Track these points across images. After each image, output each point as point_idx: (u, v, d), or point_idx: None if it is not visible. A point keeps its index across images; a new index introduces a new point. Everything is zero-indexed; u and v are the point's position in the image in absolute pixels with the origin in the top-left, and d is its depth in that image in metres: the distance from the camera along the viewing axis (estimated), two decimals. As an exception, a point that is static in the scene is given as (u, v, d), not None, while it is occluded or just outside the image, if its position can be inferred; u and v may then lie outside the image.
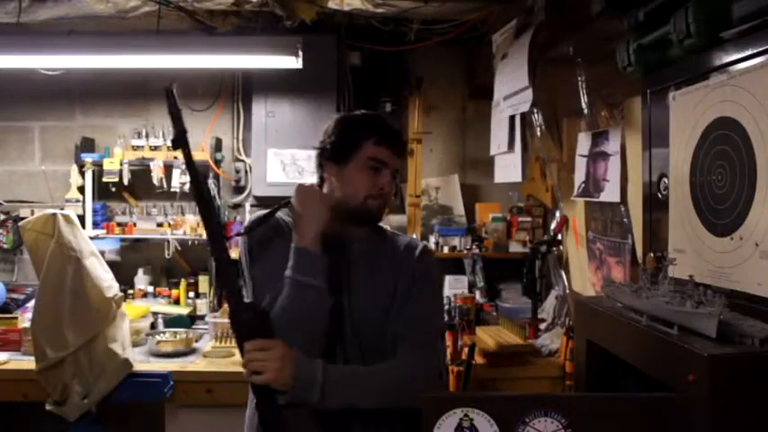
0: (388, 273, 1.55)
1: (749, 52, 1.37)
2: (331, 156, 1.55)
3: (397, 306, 1.53)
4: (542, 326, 2.74)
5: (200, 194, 1.34)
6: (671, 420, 1.16)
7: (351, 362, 1.48)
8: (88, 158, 3.17)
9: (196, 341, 2.83)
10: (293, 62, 2.63)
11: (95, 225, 3.19)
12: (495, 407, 1.18)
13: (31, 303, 2.64)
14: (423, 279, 1.57)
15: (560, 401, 1.19)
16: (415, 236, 3.11)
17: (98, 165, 3.16)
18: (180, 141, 1.31)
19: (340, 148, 1.55)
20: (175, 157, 3.16)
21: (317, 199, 1.47)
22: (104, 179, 3.15)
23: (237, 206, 3.41)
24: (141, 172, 3.22)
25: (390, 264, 1.57)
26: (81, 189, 3.19)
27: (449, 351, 2.34)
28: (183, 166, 3.16)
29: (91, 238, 2.57)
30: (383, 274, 1.55)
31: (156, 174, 3.13)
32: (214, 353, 2.71)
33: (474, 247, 3.14)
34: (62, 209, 2.63)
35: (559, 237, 2.78)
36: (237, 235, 1.65)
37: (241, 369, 1.34)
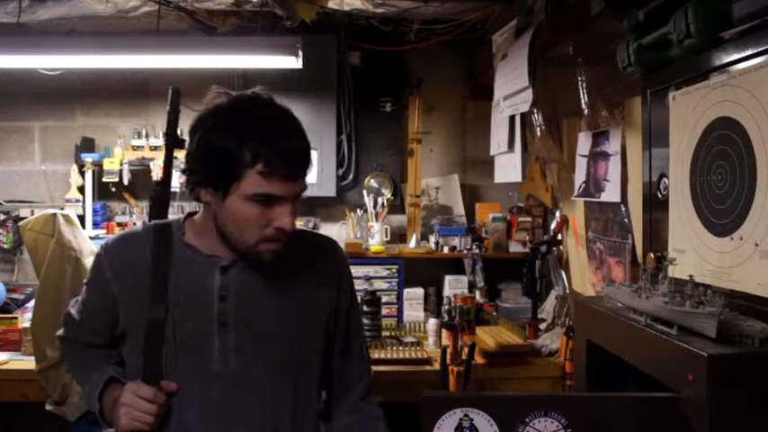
0: (303, 279, 1.31)
1: (749, 52, 1.36)
2: (203, 180, 1.15)
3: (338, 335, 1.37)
4: (542, 326, 2.74)
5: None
6: (671, 420, 1.16)
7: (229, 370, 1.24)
8: (88, 158, 3.17)
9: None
10: (293, 62, 2.63)
11: (95, 225, 3.19)
12: (495, 407, 1.18)
13: (31, 303, 2.64)
14: (352, 297, 1.40)
15: (560, 401, 1.19)
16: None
17: (98, 165, 3.17)
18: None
19: (211, 174, 1.13)
20: (176, 157, 3.15)
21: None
22: (104, 179, 3.16)
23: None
24: (141, 172, 3.22)
25: (303, 268, 1.31)
26: (81, 189, 3.20)
27: (449, 351, 2.33)
28: (183, 166, 3.16)
29: (91, 238, 2.57)
30: (296, 281, 1.30)
31: (156, 174, 3.13)
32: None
33: (474, 247, 3.14)
34: (62, 209, 2.63)
35: (559, 237, 2.78)
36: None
37: None
